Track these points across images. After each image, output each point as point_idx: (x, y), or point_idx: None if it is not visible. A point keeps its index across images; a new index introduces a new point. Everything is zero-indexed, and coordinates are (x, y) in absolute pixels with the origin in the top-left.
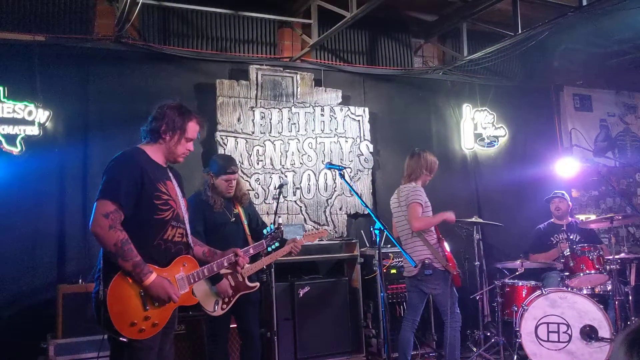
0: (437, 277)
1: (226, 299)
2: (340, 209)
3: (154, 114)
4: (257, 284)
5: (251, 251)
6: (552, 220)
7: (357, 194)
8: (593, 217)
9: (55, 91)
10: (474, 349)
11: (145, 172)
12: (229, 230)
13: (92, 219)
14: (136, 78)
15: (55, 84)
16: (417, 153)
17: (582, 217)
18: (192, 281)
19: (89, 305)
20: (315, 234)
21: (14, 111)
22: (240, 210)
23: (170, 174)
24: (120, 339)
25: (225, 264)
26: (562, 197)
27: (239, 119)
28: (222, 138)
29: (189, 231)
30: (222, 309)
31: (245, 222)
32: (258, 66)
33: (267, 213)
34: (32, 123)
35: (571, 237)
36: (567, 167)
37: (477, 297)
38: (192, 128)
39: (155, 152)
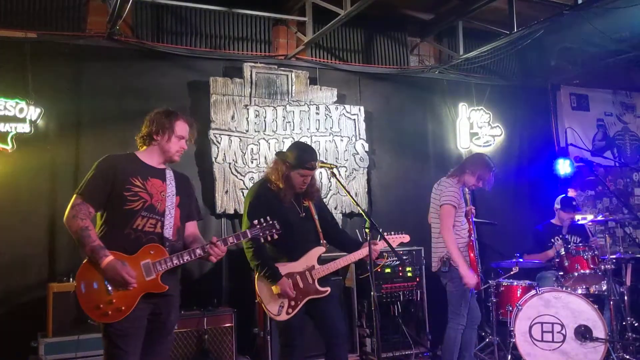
0: (452, 274)
1: (292, 302)
2: (336, 208)
3: (145, 122)
4: (328, 288)
5: (230, 240)
6: (551, 221)
7: (346, 188)
8: (590, 217)
9: (47, 88)
10: None
11: (118, 170)
12: (299, 226)
13: (66, 211)
14: (129, 75)
15: (47, 81)
16: (476, 153)
17: (578, 217)
18: (158, 268)
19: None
20: (397, 238)
21: (5, 108)
22: (310, 204)
23: (169, 175)
24: (89, 321)
25: (199, 252)
26: (577, 209)
27: (232, 117)
28: (215, 136)
29: (168, 224)
30: (288, 313)
31: (316, 218)
32: (252, 64)
33: None
34: (23, 120)
35: (569, 238)
36: (563, 166)
37: None
38: (181, 126)
39: (148, 155)
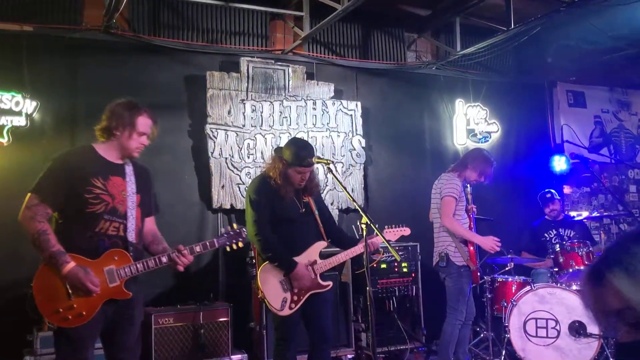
0: (450, 269)
1: (295, 297)
2: (332, 204)
3: (105, 112)
4: (330, 283)
5: (197, 249)
6: (545, 217)
7: (342, 184)
8: (585, 213)
9: (43, 82)
10: None
11: (77, 169)
12: (300, 222)
13: (21, 209)
14: (125, 69)
15: (43, 74)
16: (475, 148)
17: (573, 213)
18: (122, 275)
19: None
20: (398, 231)
21: (1, 101)
22: (310, 199)
23: (129, 170)
24: (48, 324)
25: (165, 260)
26: (554, 199)
27: (229, 112)
28: (212, 131)
29: (131, 227)
30: (291, 307)
31: (316, 213)
32: (249, 58)
33: None
34: (19, 114)
35: (562, 233)
36: (558, 163)
37: None
38: (142, 122)
39: (107, 149)
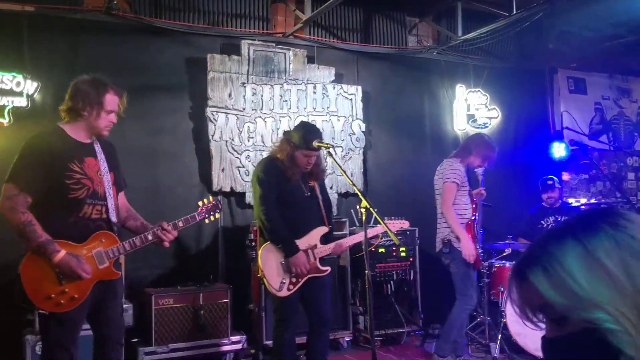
0: (453, 255)
1: (294, 279)
2: (331, 188)
3: (70, 91)
4: (329, 268)
5: (180, 224)
6: (542, 203)
7: (342, 168)
8: (583, 200)
9: (44, 62)
10: None
11: (53, 155)
12: (304, 205)
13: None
14: (126, 51)
15: (44, 55)
16: (477, 133)
17: (572, 200)
18: (111, 256)
19: None
20: (397, 223)
21: (1, 82)
22: (315, 184)
23: (98, 149)
24: (40, 311)
25: (150, 238)
26: (554, 187)
27: (230, 95)
28: (212, 114)
29: (111, 207)
30: (289, 289)
31: (319, 197)
32: (250, 41)
33: None
34: (20, 94)
35: (560, 220)
36: (558, 149)
37: None
38: (110, 100)
39: (76, 130)
